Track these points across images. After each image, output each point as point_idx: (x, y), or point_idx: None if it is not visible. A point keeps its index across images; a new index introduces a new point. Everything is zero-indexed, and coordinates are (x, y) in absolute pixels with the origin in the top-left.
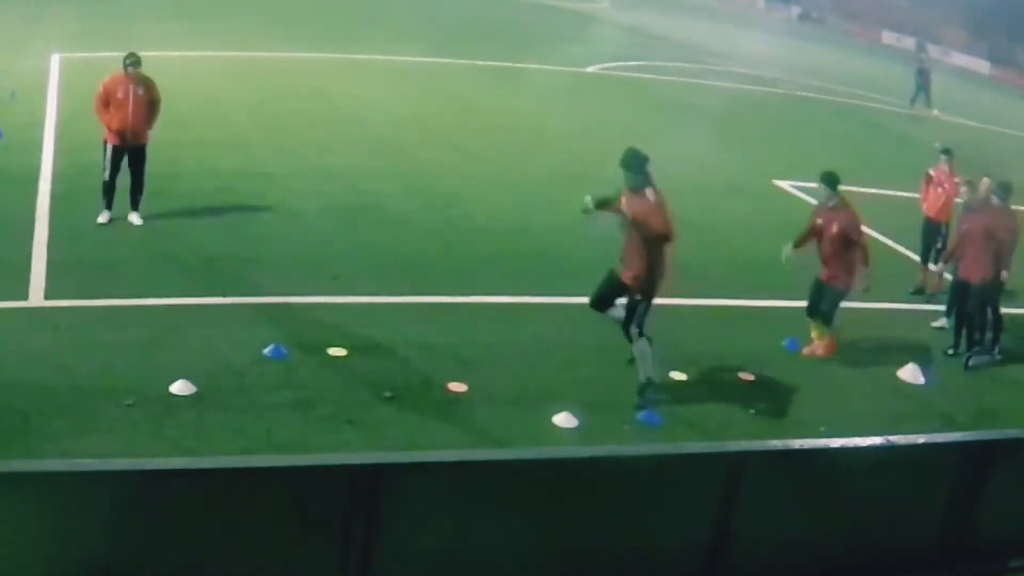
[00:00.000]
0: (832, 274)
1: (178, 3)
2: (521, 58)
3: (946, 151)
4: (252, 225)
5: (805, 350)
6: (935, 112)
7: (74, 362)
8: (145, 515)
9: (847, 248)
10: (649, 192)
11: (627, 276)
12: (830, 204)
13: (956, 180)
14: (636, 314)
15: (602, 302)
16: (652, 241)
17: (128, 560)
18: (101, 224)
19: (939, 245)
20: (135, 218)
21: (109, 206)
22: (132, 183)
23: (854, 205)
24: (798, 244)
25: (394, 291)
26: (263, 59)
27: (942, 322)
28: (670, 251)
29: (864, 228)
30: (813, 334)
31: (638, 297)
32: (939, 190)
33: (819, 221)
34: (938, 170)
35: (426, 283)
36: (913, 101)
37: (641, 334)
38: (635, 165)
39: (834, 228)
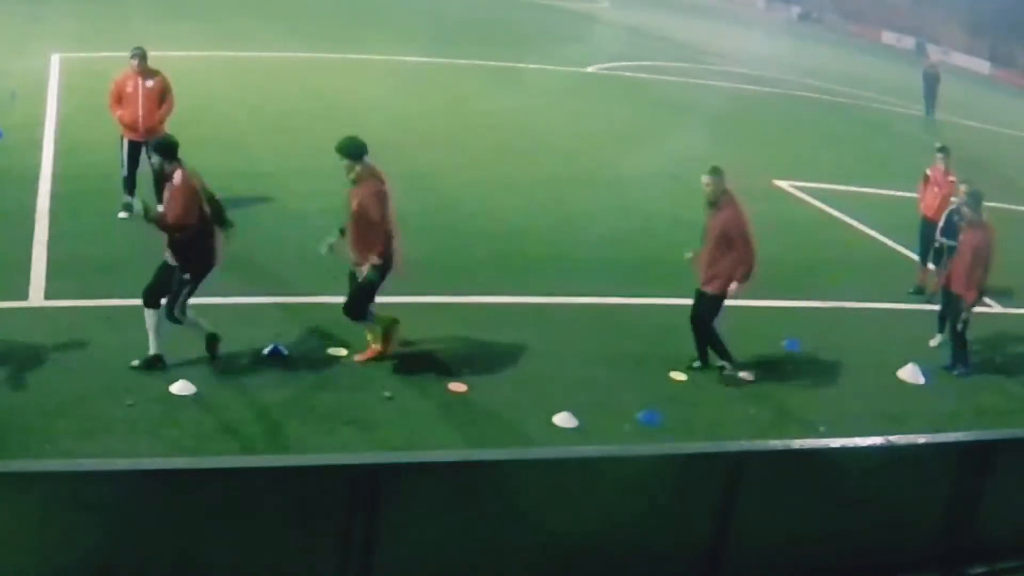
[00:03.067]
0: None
1: (178, 3)
2: (521, 58)
3: (942, 149)
4: (252, 225)
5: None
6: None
7: (74, 362)
8: (145, 515)
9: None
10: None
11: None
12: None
13: (951, 179)
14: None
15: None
16: None
17: (128, 560)
18: (122, 219)
19: (937, 244)
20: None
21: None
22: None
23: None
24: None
25: (394, 291)
26: (263, 59)
27: (937, 339)
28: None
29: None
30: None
31: None
32: (935, 189)
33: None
34: (934, 169)
35: (426, 283)
36: (928, 110)
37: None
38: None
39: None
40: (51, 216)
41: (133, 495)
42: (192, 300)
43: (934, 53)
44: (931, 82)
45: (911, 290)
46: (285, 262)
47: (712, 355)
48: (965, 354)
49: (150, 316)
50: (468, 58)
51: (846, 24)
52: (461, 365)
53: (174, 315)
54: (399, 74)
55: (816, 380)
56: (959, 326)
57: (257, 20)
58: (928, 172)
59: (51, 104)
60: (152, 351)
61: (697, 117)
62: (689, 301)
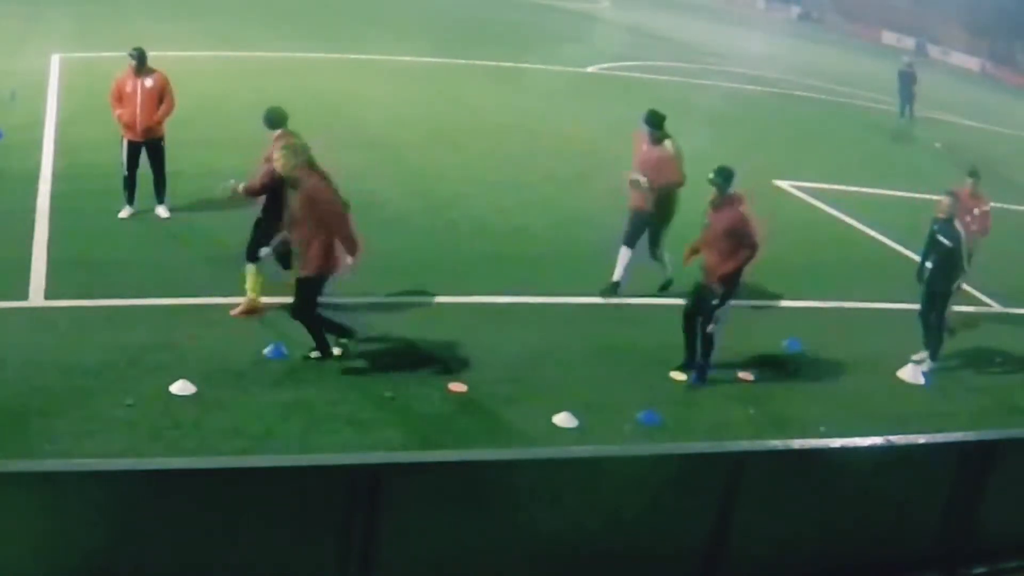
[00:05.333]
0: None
1: (178, 3)
2: (521, 58)
3: (973, 173)
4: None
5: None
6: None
7: (74, 362)
8: (145, 515)
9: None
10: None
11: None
12: None
13: (985, 207)
14: None
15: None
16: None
17: (128, 560)
18: (122, 219)
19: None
20: (162, 211)
21: (130, 201)
22: (154, 178)
23: None
24: None
25: (394, 291)
26: (263, 59)
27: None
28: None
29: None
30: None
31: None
32: (967, 218)
33: None
34: (961, 193)
35: (426, 283)
36: (903, 109)
37: None
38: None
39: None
40: (51, 216)
41: (133, 495)
42: (193, 301)
43: (934, 53)
44: (907, 81)
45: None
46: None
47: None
48: (706, 365)
49: None
50: (468, 58)
51: (846, 24)
52: (461, 365)
53: None
54: (399, 74)
55: (816, 380)
56: (709, 328)
57: (257, 20)
58: (960, 195)
59: (51, 104)
60: None
61: (697, 117)
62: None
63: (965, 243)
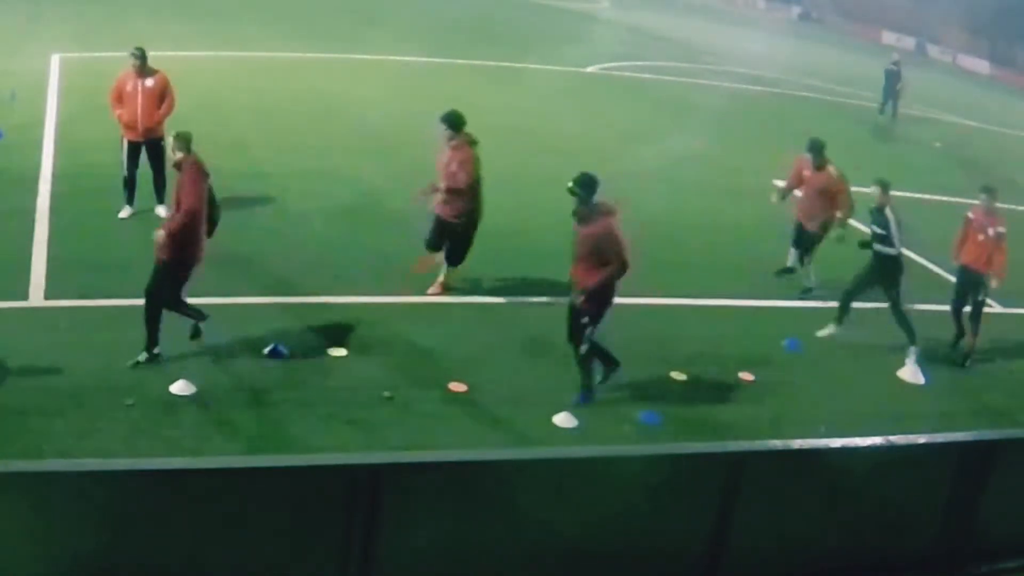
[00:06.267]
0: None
1: (178, 3)
2: (521, 58)
3: (986, 188)
4: (252, 225)
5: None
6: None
7: (74, 362)
8: (145, 515)
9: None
10: None
11: None
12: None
13: (1000, 229)
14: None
15: None
16: None
17: (128, 560)
18: (122, 219)
19: (980, 297)
20: (162, 211)
21: (130, 201)
22: (154, 178)
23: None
24: None
25: (394, 291)
26: (263, 59)
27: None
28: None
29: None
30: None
31: None
32: (979, 237)
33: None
34: (976, 212)
35: (426, 283)
36: (885, 106)
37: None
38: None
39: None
40: (51, 216)
41: (133, 495)
42: (193, 301)
43: (934, 53)
44: (892, 79)
45: (959, 361)
46: (285, 262)
47: (710, 355)
48: (588, 387)
49: None
50: (468, 58)
51: (846, 24)
52: (461, 365)
53: None
54: (399, 74)
55: (816, 380)
56: (581, 348)
57: (257, 20)
58: (970, 215)
59: (51, 104)
60: None
61: (697, 117)
62: (689, 301)
63: (895, 228)
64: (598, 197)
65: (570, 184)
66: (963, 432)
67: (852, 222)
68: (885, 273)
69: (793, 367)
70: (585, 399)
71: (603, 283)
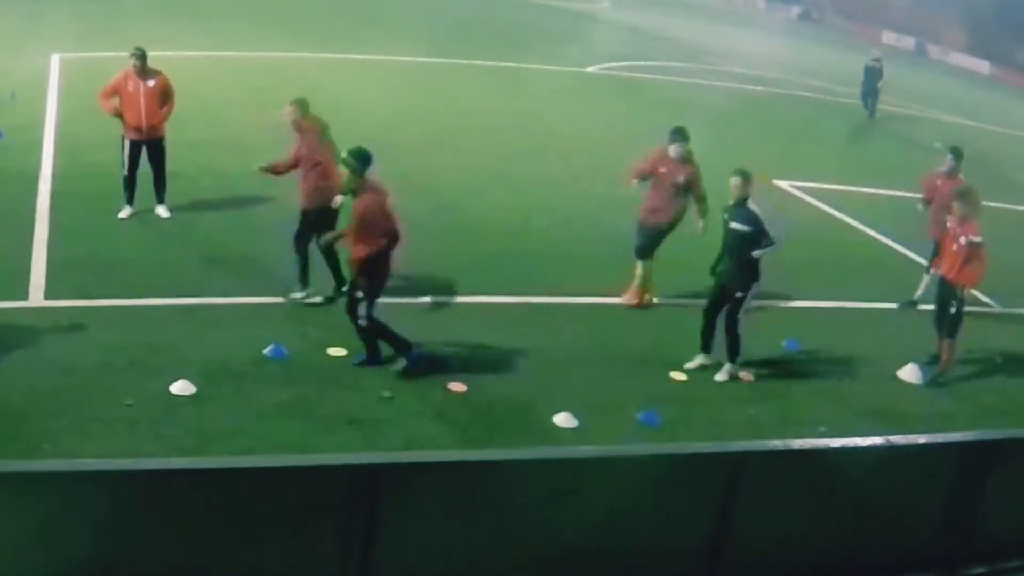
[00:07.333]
0: None
1: (178, 3)
2: (521, 58)
3: (960, 195)
4: (252, 225)
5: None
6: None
7: (74, 362)
8: (145, 515)
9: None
10: None
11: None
12: None
13: (976, 238)
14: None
15: None
16: None
17: (128, 560)
18: (122, 219)
19: (952, 309)
20: (162, 211)
21: (130, 201)
22: (155, 177)
23: None
24: None
25: (394, 291)
26: (263, 59)
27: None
28: None
29: None
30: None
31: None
32: (954, 246)
33: None
34: (952, 219)
35: (426, 283)
36: (865, 104)
37: None
38: None
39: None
40: (51, 216)
41: (133, 495)
42: (193, 301)
43: (934, 53)
44: (872, 76)
45: (925, 360)
46: (285, 262)
47: (710, 355)
48: (372, 354)
49: None
50: (468, 58)
51: (846, 24)
52: (461, 365)
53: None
54: (399, 74)
55: (816, 380)
56: (360, 322)
57: (257, 20)
58: (948, 222)
59: (51, 104)
60: None
61: (697, 117)
62: (689, 301)
63: (765, 222)
64: (371, 172)
65: (344, 154)
66: (963, 432)
67: None
68: (744, 277)
69: (793, 367)
70: (371, 361)
71: (373, 255)
